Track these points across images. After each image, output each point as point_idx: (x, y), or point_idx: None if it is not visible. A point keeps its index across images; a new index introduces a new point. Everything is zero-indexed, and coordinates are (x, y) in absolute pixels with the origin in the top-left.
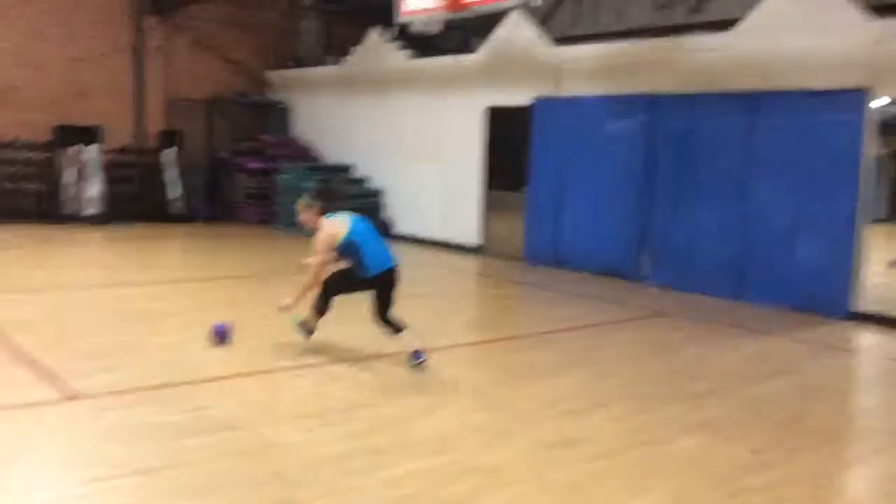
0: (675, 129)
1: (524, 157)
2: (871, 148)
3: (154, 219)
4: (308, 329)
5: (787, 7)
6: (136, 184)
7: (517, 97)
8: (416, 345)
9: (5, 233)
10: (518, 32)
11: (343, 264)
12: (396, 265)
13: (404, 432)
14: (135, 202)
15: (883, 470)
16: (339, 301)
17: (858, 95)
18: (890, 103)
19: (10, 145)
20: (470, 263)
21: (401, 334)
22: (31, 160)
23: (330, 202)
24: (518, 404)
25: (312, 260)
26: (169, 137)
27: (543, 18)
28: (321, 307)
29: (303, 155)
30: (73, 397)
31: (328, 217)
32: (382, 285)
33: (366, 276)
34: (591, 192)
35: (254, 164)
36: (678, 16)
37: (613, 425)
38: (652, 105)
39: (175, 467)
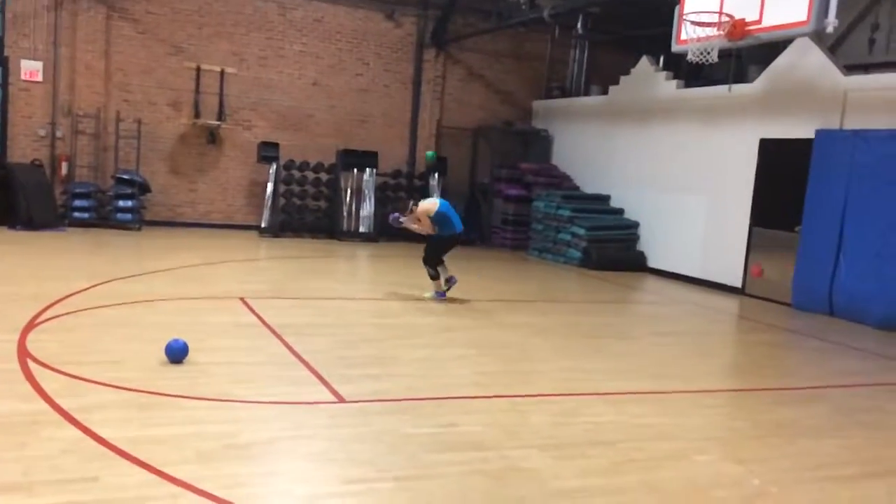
0: None
1: (799, 193)
2: None
3: (419, 239)
4: (439, 289)
5: None
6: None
7: (796, 129)
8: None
9: (291, 245)
10: (803, 60)
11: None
12: (462, 230)
13: (650, 475)
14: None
15: None
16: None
17: None
18: None
19: (302, 166)
20: (730, 304)
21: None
22: (318, 180)
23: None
24: (776, 462)
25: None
26: (436, 163)
27: (833, 45)
28: (433, 274)
29: (561, 183)
30: (340, 400)
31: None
32: (452, 241)
33: (445, 234)
34: (876, 235)
35: (512, 191)
36: None
37: (883, 499)
38: None
39: (426, 479)
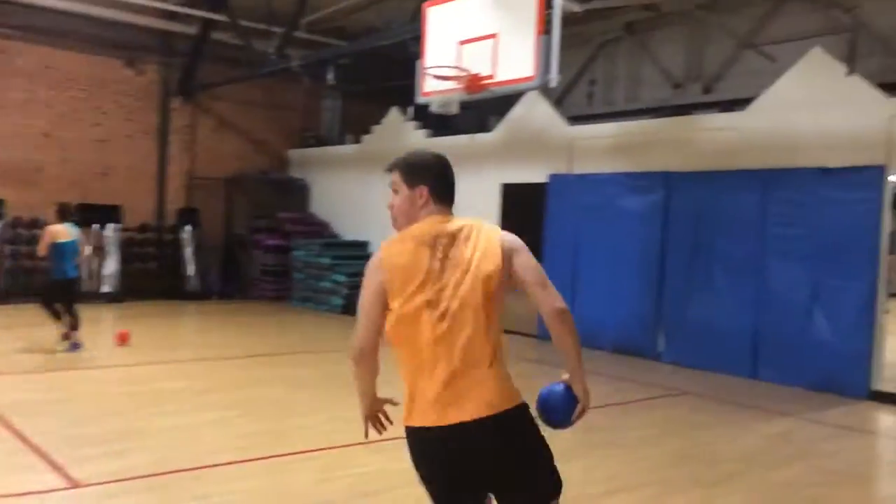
0: (689, 206)
1: (538, 233)
2: (889, 224)
3: (171, 296)
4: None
5: (799, 86)
6: (154, 261)
7: (532, 174)
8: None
9: (20, 312)
10: (533, 111)
11: None
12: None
13: None
14: (153, 279)
15: None
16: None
17: (877, 172)
18: None
19: (31, 224)
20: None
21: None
22: None
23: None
24: None
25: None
26: (187, 215)
27: (559, 98)
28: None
29: (320, 231)
30: (74, 485)
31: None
32: (58, 287)
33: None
34: (606, 269)
35: (271, 241)
36: (691, 95)
37: None
38: (666, 182)
39: None
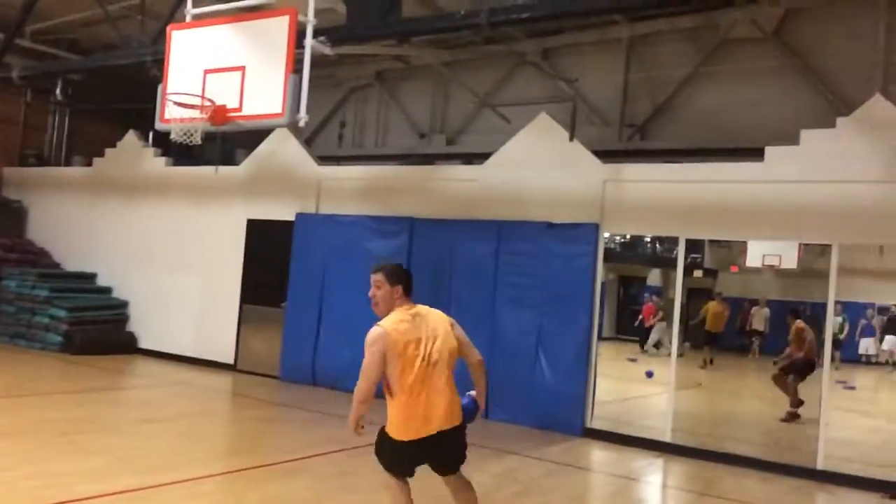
0: (431, 251)
1: (285, 271)
2: (602, 274)
3: None
4: None
5: (529, 147)
6: None
7: (279, 211)
8: None
9: None
10: (283, 148)
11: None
12: None
13: None
14: None
15: None
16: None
17: (592, 228)
18: (612, 236)
19: None
20: (224, 381)
21: None
22: None
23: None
24: None
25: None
26: None
27: (310, 137)
28: None
29: (37, 260)
30: None
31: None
32: None
33: None
34: (349, 309)
35: None
36: (435, 145)
37: None
38: (410, 227)
39: None
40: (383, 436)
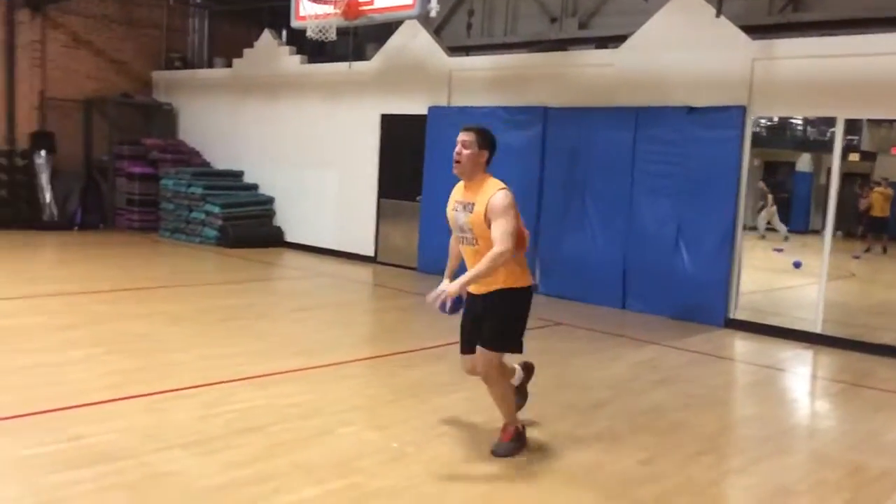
0: (565, 141)
1: (419, 165)
2: (749, 161)
3: (27, 226)
4: None
5: (670, 26)
6: (6, 189)
7: (411, 106)
8: None
9: None
10: (413, 41)
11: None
12: None
13: (298, 455)
14: (6, 208)
15: (762, 479)
16: (237, 322)
17: (739, 111)
18: (758, 119)
19: None
20: (364, 273)
21: None
22: None
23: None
24: (412, 422)
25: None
26: (42, 139)
27: (438, 27)
28: None
29: (190, 160)
30: None
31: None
32: None
33: None
34: None
35: (136, 169)
36: (567, 30)
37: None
38: (544, 116)
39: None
40: (514, 300)
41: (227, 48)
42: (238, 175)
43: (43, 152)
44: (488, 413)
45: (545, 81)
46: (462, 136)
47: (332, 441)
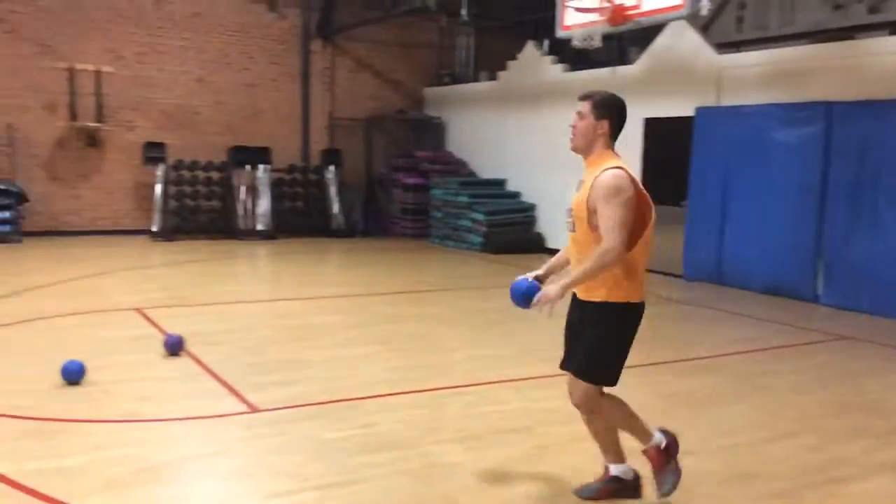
0: (852, 138)
1: (683, 169)
2: None
3: (317, 234)
4: None
5: None
6: (301, 201)
7: (677, 107)
8: None
9: (186, 249)
10: (679, 41)
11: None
12: None
13: (566, 459)
14: (301, 218)
15: None
16: (502, 326)
17: None
18: None
19: (191, 165)
20: None
21: None
22: (210, 179)
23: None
24: (687, 432)
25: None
26: (330, 156)
27: (706, 24)
28: None
29: (457, 170)
30: (253, 410)
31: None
32: None
33: None
34: (758, 206)
35: (410, 180)
36: (855, 16)
37: (791, 460)
38: (826, 113)
39: (351, 484)
40: (614, 318)
41: (491, 62)
42: (501, 183)
43: (332, 167)
44: (769, 427)
45: (828, 75)
46: (578, 107)
47: (596, 447)
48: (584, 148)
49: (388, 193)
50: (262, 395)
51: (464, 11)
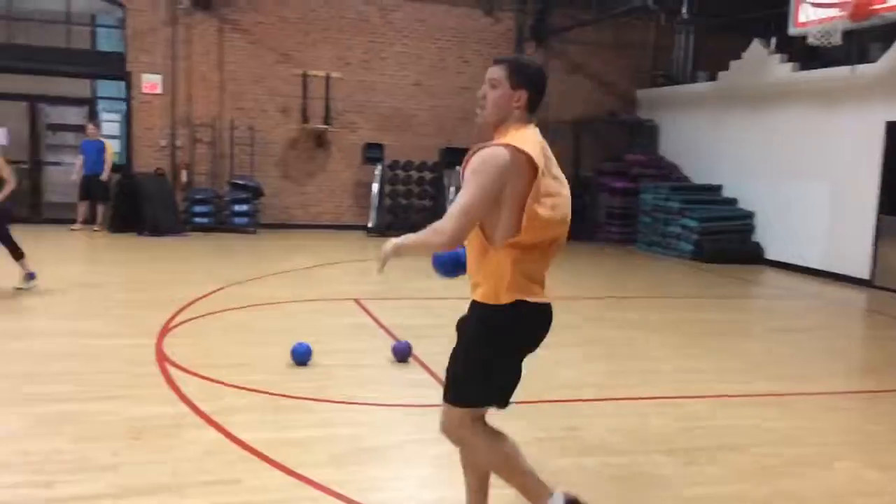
0: None
1: None
2: None
3: None
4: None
5: None
6: None
7: None
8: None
9: None
10: None
11: None
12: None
13: (785, 483)
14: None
15: None
16: (714, 338)
17: None
18: None
19: (406, 166)
20: (857, 297)
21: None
22: (422, 179)
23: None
24: None
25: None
26: None
27: None
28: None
29: (669, 174)
30: None
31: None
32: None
33: None
34: None
35: (618, 184)
36: None
37: None
38: None
39: (556, 485)
40: (490, 325)
41: (710, 62)
42: (716, 189)
43: None
44: None
45: None
46: (490, 73)
47: (822, 474)
48: (495, 123)
49: (594, 197)
50: None
51: (684, 10)
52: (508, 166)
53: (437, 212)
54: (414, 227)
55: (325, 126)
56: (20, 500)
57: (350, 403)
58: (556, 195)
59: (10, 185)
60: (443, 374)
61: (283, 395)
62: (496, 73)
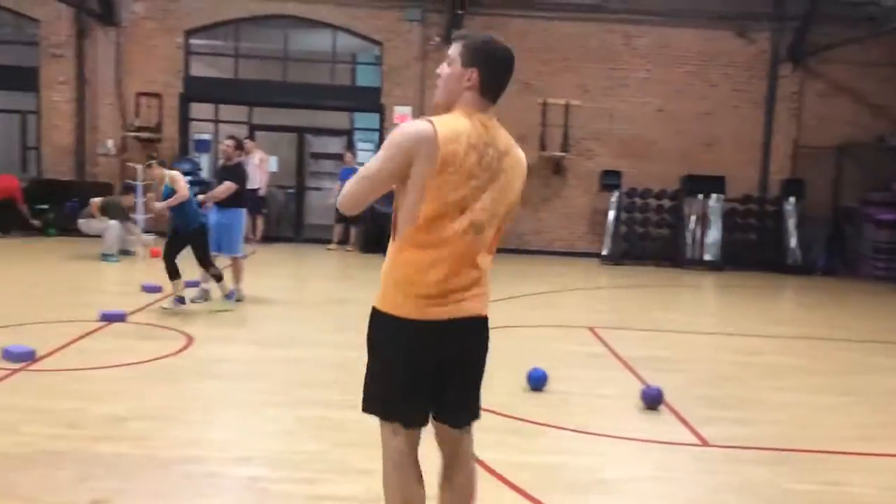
0: None
1: None
2: None
3: (769, 268)
4: (177, 292)
5: None
6: (755, 232)
7: None
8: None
9: (633, 273)
10: None
11: None
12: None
13: None
14: (753, 251)
15: None
16: None
17: None
18: None
19: (644, 193)
20: None
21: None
22: (661, 207)
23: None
24: None
25: None
26: (792, 186)
27: None
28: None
29: None
30: (703, 443)
31: None
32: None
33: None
34: None
35: (886, 216)
36: None
37: None
38: None
39: None
40: (377, 330)
41: None
42: None
43: (792, 199)
44: None
45: None
46: (449, 50)
47: None
48: (445, 104)
49: (858, 229)
50: (713, 429)
51: None
52: (420, 143)
53: (676, 241)
54: (651, 257)
55: (563, 153)
56: (284, 492)
57: (584, 433)
58: (465, 199)
59: (180, 198)
60: (681, 409)
61: (520, 419)
62: (451, 49)
